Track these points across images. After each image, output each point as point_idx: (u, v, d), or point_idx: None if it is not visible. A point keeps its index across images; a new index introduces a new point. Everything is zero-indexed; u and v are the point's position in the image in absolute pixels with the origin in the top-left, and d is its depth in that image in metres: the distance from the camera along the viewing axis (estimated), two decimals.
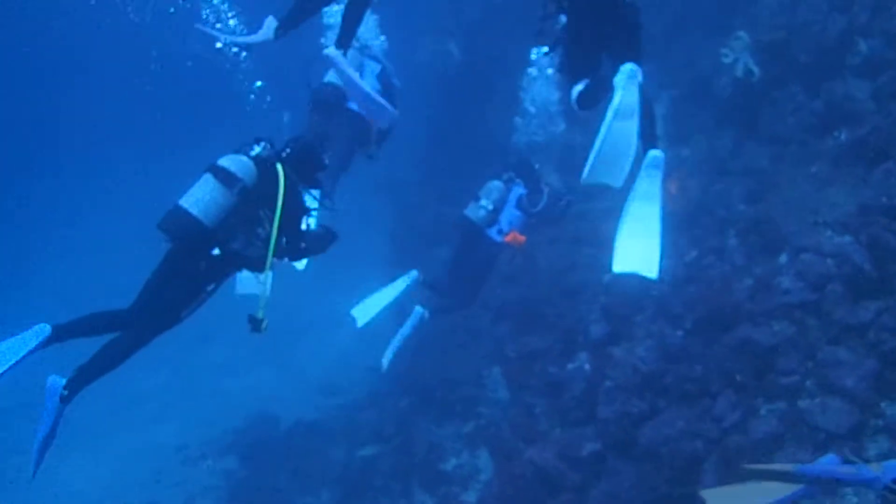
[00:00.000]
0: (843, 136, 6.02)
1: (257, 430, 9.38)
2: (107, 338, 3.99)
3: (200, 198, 4.12)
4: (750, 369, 5.18)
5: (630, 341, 6.13)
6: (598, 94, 4.36)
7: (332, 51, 5.36)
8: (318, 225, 5.25)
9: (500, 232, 7.04)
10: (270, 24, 5.39)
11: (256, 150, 4.49)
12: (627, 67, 4.07)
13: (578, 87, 4.48)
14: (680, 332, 5.86)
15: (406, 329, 7.07)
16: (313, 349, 11.76)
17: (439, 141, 12.56)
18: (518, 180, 7.23)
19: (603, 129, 4.08)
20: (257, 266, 4.39)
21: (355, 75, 5.78)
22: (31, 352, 3.58)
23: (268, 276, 4.38)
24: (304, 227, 4.69)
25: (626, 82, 4.04)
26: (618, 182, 4.22)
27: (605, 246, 7.83)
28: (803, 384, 4.92)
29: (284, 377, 11.08)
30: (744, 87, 7.28)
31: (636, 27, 4.31)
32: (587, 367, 6.32)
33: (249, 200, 4.27)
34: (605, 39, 4.37)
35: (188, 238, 4.14)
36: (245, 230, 4.30)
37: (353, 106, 6.28)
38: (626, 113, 4.05)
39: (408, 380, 8.65)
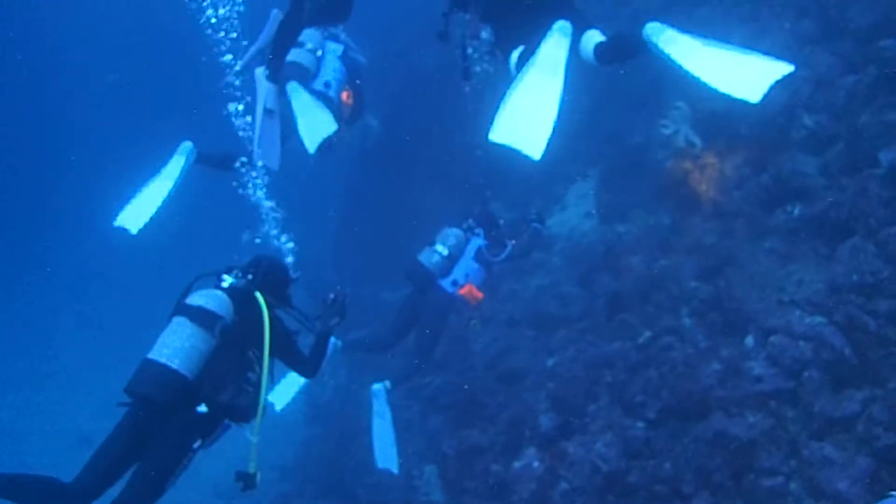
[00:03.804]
0: (796, 211, 5.74)
1: None
2: None
3: (178, 347, 3.41)
4: (726, 468, 4.57)
5: (585, 434, 5.43)
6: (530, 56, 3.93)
7: (259, 72, 5.20)
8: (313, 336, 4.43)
9: (454, 284, 6.21)
10: (261, 78, 5.23)
11: (229, 280, 3.86)
12: (558, 24, 3.79)
13: (514, 55, 4.19)
14: (641, 424, 5.24)
15: (380, 419, 6.03)
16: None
17: (357, 216, 11.85)
18: (479, 230, 6.48)
19: (518, 79, 3.61)
20: (247, 414, 3.66)
21: (267, 106, 5.31)
22: None
23: (258, 424, 3.70)
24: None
25: (554, 36, 3.73)
26: (534, 150, 3.45)
27: (543, 327, 7.37)
28: (788, 486, 4.34)
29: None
30: (682, 159, 7.05)
31: (567, 6, 4.15)
32: (537, 464, 5.52)
33: (232, 340, 3.58)
34: (534, 12, 4.11)
35: (170, 399, 3.33)
36: (234, 377, 3.57)
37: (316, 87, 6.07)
38: (548, 67, 3.62)
39: (322, 481, 7.54)
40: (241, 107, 5.87)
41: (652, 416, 5.16)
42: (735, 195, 6.43)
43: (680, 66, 3.55)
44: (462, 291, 6.23)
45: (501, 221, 6.70)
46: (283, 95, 5.65)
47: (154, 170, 5.90)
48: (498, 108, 3.56)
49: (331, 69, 6.22)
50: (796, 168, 5.97)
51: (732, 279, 5.63)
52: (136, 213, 5.69)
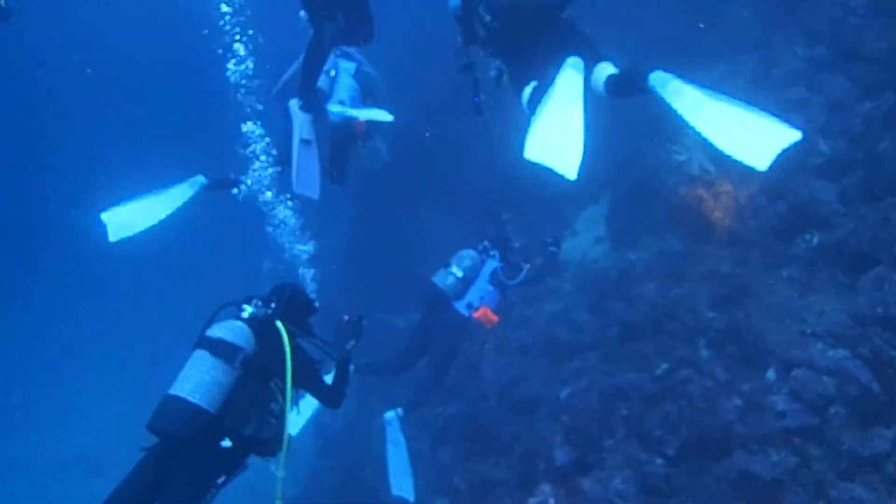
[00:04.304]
0: (814, 240, 5.63)
1: None
2: None
3: (199, 381, 3.35)
4: None
5: (602, 470, 5.28)
6: (544, 93, 3.92)
7: (293, 104, 5.37)
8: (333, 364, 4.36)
9: (469, 306, 6.11)
10: (295, 109, 5.41)
11: (249, 310, 3.80)
12: (571, 60, 3.81)
13: (527, 91, 4.17)
14: (660, 460, 5.09)
15: (394, 447, 5.90)
16: None
17: (365, 241, 11.77)
18: (494, 252, 6.39)
19: (540, 110, 3.64)
20: (272, 447, 3.61)
21: (303, 137, 5.49)
22: None
23: (283, 456, 3.64)
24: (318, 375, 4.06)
25: (568, 71, 3.75)
26: (568, 170, 3.44)
27: (556, 355, 7.24)
28: None
29: None
30: (696, 185, 6.96)
31: (577, 39, 4.17)
32: (552, 501, 5.38)
33: (253, 372, 3.52)
34: (545, 47, 4.15)
35: (193, 435, 3.27)
36: (257, 410, 3.52)
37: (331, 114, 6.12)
38: (567, 99, 3.62)
39: None
40: (248, 125, 5.91)
41: (671, 452, 5.01)
42: (751, 223, 6.33)
43: (685, 122, 3.50)
44: (477, 314, 6.14)
45: (517, 244, 6.62)
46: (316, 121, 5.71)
47: (158, 185, 5.89)
48: (526, 131, 3.58)
49: (345, 88, 6.26)
50: (813, 195, 5.86)
51: (750, 309, 5.50)
52: (124, 221, 5.66)
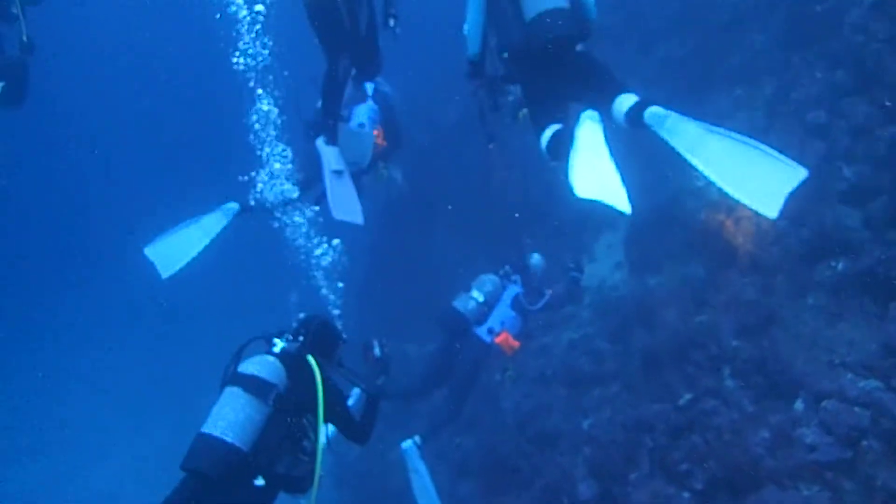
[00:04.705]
0: (840, 267, 5.52)
1: None
2: None
3: (234, 420, 3.31)
4: None
5: None
6: (564, 143, 3.91)
7: (320, 142, 5.40)
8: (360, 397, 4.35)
9: (490, 332, 6.04)
10: (321, 143, 5.47)
11: (280, 344, 3.78)
12: (586, 113, 3.78)
13: (547, 134, 4.11)
14: (687, 494, 4.96)
15: (417, 475, 5.81)
16: None
17: (381, 268, 11.76)
18: (515, 277, 6.34)
19: (570, 163, 3.65)
20: (304, 485, 3.56)
21: (333, 169, 5.48)
22: None
23: (314, 493, 3.58)
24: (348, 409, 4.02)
25: (585, 124, 3.74)
26: (620, 201, 3.44)
27: (577, 385, 7.14)
28: None
29: None
30: (717, 210, 6.88)
31: (595, 71, 4.14)
32: None
33: (285, 408, 3.49)
34: (562, 84, 4.17)
35: (227, 474, 3.23)
36: (289, 446, 3.49)
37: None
38: (592, 150, 3.61)
39: None
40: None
41: (699, 486, 4.88)
42: (773, 249, 6.23)
43: (686, 160, 3.45)
44: (498, 340, 6.08)
45: (539, 270, 6.56)
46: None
47: (192, 213, 5.95)
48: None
49: (364, 110, 6.32)
50: (838, 221, 5.76)
51: (776, 338, 5.39)
52: (170, 256, 5.74)
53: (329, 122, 5.30)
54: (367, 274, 11.85)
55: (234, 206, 6.03)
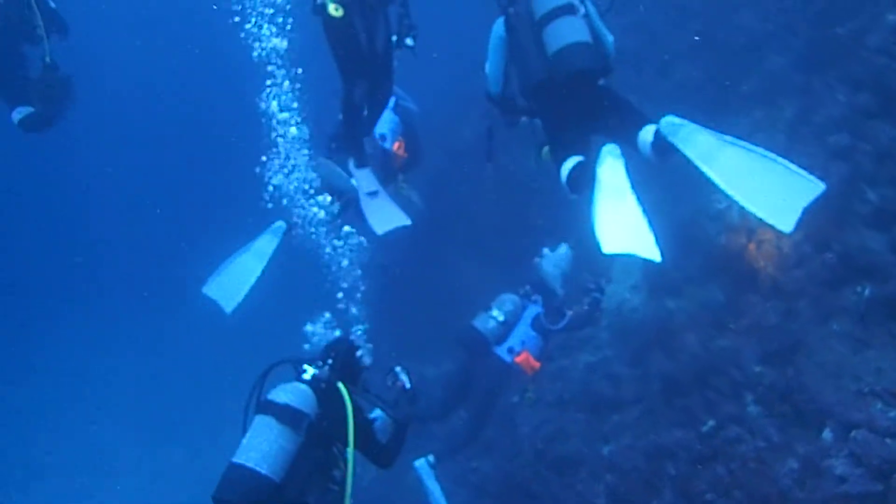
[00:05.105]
0: (866, 292, 5.42)
1: None
2: None
3: (267, 451, 3.29)
4: None
5: None
6: (585, 177, 3.94)
7: (351, 167, 5.55)
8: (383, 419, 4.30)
9: (510, 351, 5.98)
10: (352, 167, 5.59)
11: (311, 371, 3.76)
12: (607, 147, 3.78)
13: (567, 166, 4.09)
14: None
15: (432, 495, 5.75)
16: None
17: (396, 290, 11.73)
18: (536, 297, 6.30)
19: (595, 205, 3.67)
20: None
21: (367, 191, 5.69)
22: None
23: None
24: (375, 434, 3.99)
25: (607, 161, 3.75)
26: (650, 251, 3.41)
27: (596, 410, 7.03)
28: None
29: None
30: (737, 233, 6.80)
31: (617, 104, 4.13)
32: None
33: (316, 437, 3.49)
34: (588, 122, 4.17)
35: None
36: (319, 476, 3.51)
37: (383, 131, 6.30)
38: (615, 192, 3.64)
39: None
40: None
41: None
42: (796, 273, 6.14)
43: (701, 171, 3.41)
44: (518, 359, 6.02)
45: (560, 290, 6.51)
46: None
47: (241, 242, 5.97)
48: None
49: (385, 122, 6.38)
50: (863, 245, 5.68)
51: (801, 364, 5.29)
52: (229, 289, 5.71)
53: (354, 146, 5.32)
54: (383, 295, 11.82)
55: (281, 224, 6.03)
